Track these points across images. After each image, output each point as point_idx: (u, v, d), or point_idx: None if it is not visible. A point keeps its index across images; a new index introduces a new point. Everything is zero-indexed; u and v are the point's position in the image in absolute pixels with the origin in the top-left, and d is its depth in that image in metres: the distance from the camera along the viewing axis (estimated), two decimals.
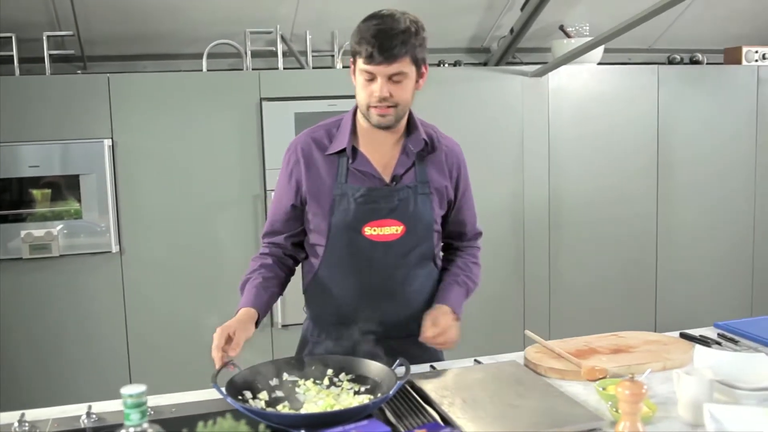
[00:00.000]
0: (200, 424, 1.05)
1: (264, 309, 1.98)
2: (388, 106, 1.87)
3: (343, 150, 1.97)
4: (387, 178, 1.98)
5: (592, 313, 4.13)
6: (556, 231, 4.07)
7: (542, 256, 4.06)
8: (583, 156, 4.07)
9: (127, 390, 1.08)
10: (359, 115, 1.98)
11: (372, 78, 1.85)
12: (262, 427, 1.05)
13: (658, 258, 4.27)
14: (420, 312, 2.00)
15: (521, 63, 4.15)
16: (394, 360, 1.77)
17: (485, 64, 4.26)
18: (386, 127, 1.94)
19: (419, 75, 1.91)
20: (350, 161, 1.97)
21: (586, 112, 4.06)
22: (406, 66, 1.84)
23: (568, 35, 4.08)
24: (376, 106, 1.87)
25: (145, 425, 1.09)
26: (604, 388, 1.65)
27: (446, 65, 4.12)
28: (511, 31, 3.91)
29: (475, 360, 1.98)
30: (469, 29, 4.12)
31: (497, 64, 4.11)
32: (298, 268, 2.16)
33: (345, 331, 2.00)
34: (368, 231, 1.95)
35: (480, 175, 3.88)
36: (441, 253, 2.19)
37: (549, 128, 4.00)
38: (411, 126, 2.01)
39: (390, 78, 1.84)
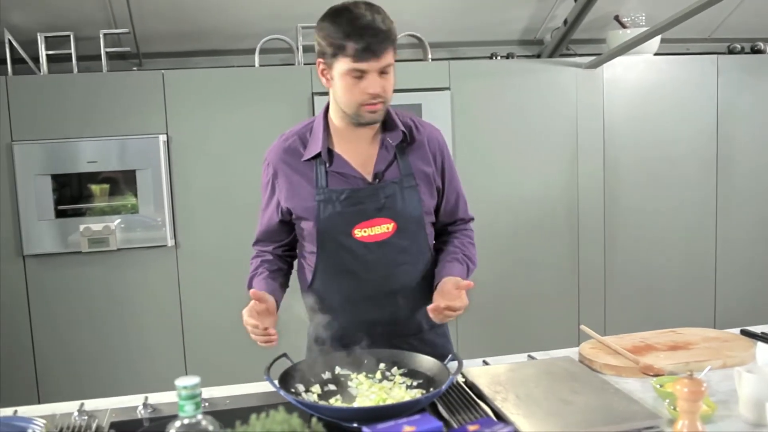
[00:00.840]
0: (253, 416, 1.05)
1: (279, 295, 1.98)
2: (379, 102, 1.81)
3: (319, 154, 1.90)
4: (369, 177, 1.91)
5: (649, 308, 4.05)
6: (611, 225, 3.99)
7: (597, 251, 3.99)
8: (638, 149, 3.98)
9: (182, 382, 1.09)
10: (332, 116, 1.93)
11: (361, 75, 1.77)
12: (314, 420, 1.05)
13: (717, 252, 4.16)
14: (425, 305, 1.90)
15: (575, 54, 4.08)
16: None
17: (538, 56, 4.20)
18: (376, 122, 1.89)
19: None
20: (328, 165, 1.90)
21: (642, 104, 3.97)
22: (391, 56, 1.79)
23: (623, 25, 3.99)
24: (369, 104, 1.81)
25: (199, 416, 1.10)
26: (661, 386, 1.61)
27: (498, 57, 4.08)
28: (565, 22, 3.85)
29: (529, 355, 1.95)
30: (521, 21, 4.06)
31: (551, 56, 4.05)
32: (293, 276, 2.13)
33: (351, 337, 1.91)
34: (358, 233, 1.89)
35: (534, 169, 3.86)
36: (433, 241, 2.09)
37: (604, 121, 3.92)
38: (386, 119, 1.93)
39: (380, 72, 1.78)
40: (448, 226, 2.09)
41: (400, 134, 1.93)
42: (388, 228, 1.90)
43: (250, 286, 2.00)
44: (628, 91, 3.95)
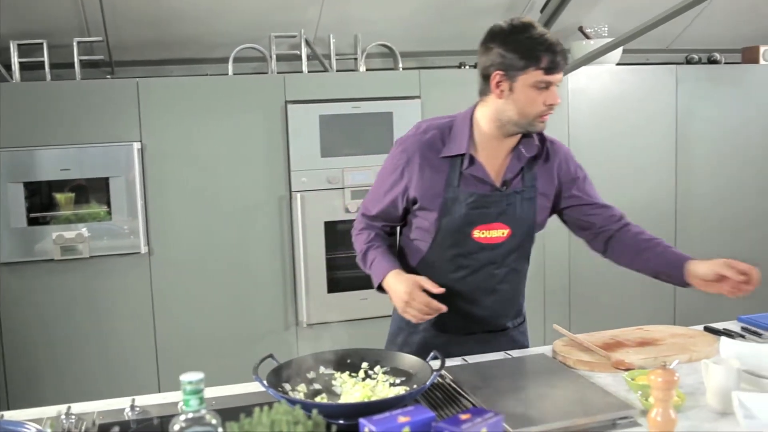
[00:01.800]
0: (256, 410, 1.10)
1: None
2: (551, 113, 1.94)
3: (459, 155, 1.99)
4: (498, 183, 2.01)
5: (612, 308, 4.17)
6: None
7: (562, 254, 4.09)
8: (601, 157, 4.10)
9: (187, 377, 1.13)
10: (481, 122, 2.00)
11: (546, 87, 1.87)
12: (315, 412, 1.11)
13: None
14: (509, 307, 2.15)
15: None
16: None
17: None
18: (538, 131, 1.99)
19: None
20: (464, 166, 1.99)
21: (606, 112, 4.10)
22: None
23: (587, 36, 4.12)
24: (546, 114, 1.92)
25: (203, 411, 1.14)
26: (633, 379, 1.70)
27: (467, 67, 4.16)
28: None
29: (506, 353, 2.03)
30: None
31: None
32: None
33: (441, 324, 2.09)
34: (477, 234, 2.00)
35: None
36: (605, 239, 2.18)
37: (568, 129, 4.04)
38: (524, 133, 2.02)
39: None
40: (611, 224, 2.15)
41: (535, 148, 2.03)
42: (503, 233, 2.02)
43: (366, 256, 2.11)
44: (592, 100, 4.07)
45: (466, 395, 1.68)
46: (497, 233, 2.01)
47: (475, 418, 1.19)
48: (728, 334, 2.13)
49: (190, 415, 1.14)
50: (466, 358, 2.00)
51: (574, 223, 2.19)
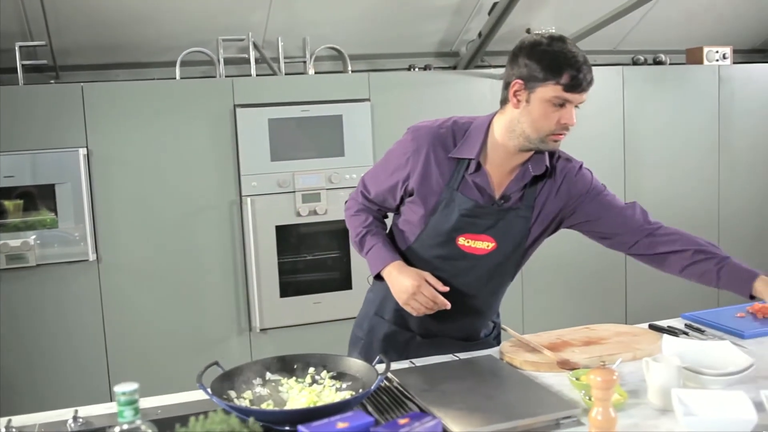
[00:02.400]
0: (192, 419, 1.09)
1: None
2: (565, 133, 1.88)
3: (467, 158, 1.95)
4: (497, 196, 1.98)
5: (566, 308, 4.22)
6: None
7: None
8: None
9: (120, 388, 1.11)
10: (497, 132, 1.95)
11: (563, 104, 1.82)
12: (251, 420, 1.10)
13: (626, 257, 4.35)
14: (487, 318, 2.15)
15: (490, 66, 4.23)
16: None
17: (455, 67, 4.33)
18: (550, 150, 1.94)
19: None
20: (469, 171, 1.95)
21: None
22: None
23: None
24: (557, 133, 1.86)
25: (138, 422, 1.12)
26: (577, 378, 1.72)
27: (416, 69, 4.18)
28: (479, 34, 3.99)
29: (454, 355, 2.04)
30: (438, 33, 4.19)
31: (466, 67, 4.18)
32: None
33: (409, 322, 2.10)
34: (462, 241, 1.98)
35: None
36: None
37: None
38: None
39: (576, 105, 1.85)
40: (643, 236, 2.07)
41: (543, 167, 1.97)
42: (488, 245, 1.99)
43: (363, 241, 2.07)
44: None
45: (412, 398, 1.68)
46: (482, 245, 1.98)
47: (414, 423, 1.19)
48: (672, 331, 2.16)
49: (125, 427, 1.12)
50: (414, 360, 2.00)
51: (598, 235, 2.14)
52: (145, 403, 1.82)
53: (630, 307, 4.40)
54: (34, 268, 3.41)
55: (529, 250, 2.09)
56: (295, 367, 1.84)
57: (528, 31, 4.18)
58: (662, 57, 4.61)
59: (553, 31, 4.13)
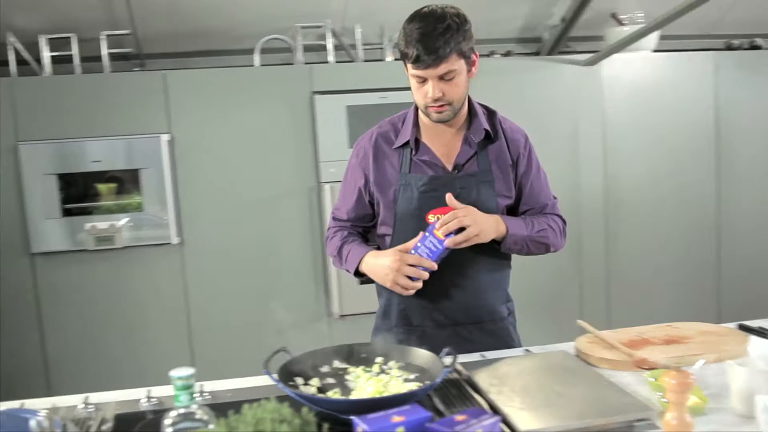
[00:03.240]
0: (245, 406, 1.09)
1: None
2: (443, 104, 1.90)
3: (407, 142, 2.02)
4: (449, 167, 2.01)
5: (652, 304, 4.08)
6: (612, 221, 4.02)
7: (599, 247, 4.02)
8: (639, 145, 4.01)
9: (176, 372, 1.12)
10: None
11: (424, 80, 1.87)
12: (305, 410, 1.08)
13: (718, 249, 4.18)
14: (490, 299, 2.08)
15: (574, 52, 4.11)
16: (460, 348, 1.85)
17: (537, 53, 4.23)
18: (445, 121, 1.97)
19: (470, 65, 1.92)
20: (414, 152, 2.02)
21: (641, 100, 4.00)
22: (454, 63, 1.85)
23: (620, 23, 4.02)
24: (432, 106, 1.90)
25: (194, 407, 1.13)
26: (655, 379, 1.64)
27: (497, 56, 4.10)
28: (563, 19, 3.87)
29: (525, 349, 1.98)
30: (520, 19, 4.09)
31: (549, 53, 4.08)
32: None
33: (414, 319, 2.08)
34: (432, 218, 1.98)
35: None
36: None
37: (603, 117, 3.95)
38: (472, 115, 2.04)
39: (441, 78, 1.86)
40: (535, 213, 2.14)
41: (482, 132, 2.02)
42: None
43: (341, 252, 2.11)
44: (627, 88, 3.97)
45: (480, 392, 1.64)
46: None
47: (471, 420, 1.15)
48: (763, 333, 2.04)
49: (181, 411, 1.13)
50: (485, 354, 1.96)
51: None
52: (218, 385, 1.85)
53: (723, 306, 4.21)
54: (120, 250, 3.52)
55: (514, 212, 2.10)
56: (363, 355, 1.84)
57: (613, 15, 4.04)
58: (759, 41, 4.38)
59: (641, 15, 3.99)
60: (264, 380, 1.83)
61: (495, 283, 2.11)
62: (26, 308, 3.50)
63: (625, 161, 4.00)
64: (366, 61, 3.85)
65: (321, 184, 3.63)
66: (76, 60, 3.54)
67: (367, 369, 1.79)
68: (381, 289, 2.15)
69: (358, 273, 2.07)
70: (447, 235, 1.88)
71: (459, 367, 1.78)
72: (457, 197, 1.96)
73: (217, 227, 3.62)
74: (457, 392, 1.67)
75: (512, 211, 2.13)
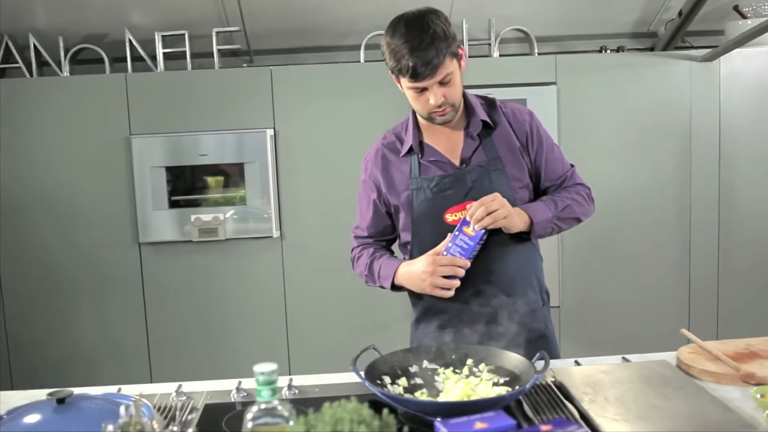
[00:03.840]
0: (326, 404, 1.08)
1: None
2: (446, 107, 1.91)
3: (412, 148, 2.03)
4: (457, 163, 2.01)
5: (765, 315, 3.84)
6: (726, 228, 3.80)
7: (711, 254, 3.81)
8: (757, 146, 3.77)
9: (259, 368, 1.12)
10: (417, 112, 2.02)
11: (422, 90, 1.87)
12: (386, 412, 1.06)
13: None
14: (521, 292, 2.02)
15: (691, 47, 3.91)
16: (497, 343, 1.86)
17: (652, 49, 4.06)
18: (449, 122, 1.97)
19: (459, 61, 1.91)
20: (420, 156, 2.03)
21: (763, 99, 3.75)
22: (448, 66, 1.85)
23: (743, 16, 3.79)
24: (435, 111, 1.91)
25: (276, 402, 1.13)
26: (762, 396, 1.53)
27: (608, 51, 3.96)
28: (680, 13, 3.70)
29: (623, 357, 1.90)
30: (633, 13, 3.93)
31: (665, 48, 3.90)
32: None
33: (450, 321, 2.05)
34: (450, 217, 1.98)
35: (645, 166, 3.73)
36: None
37: (720, 117, 3.74)
38: (468, 109, 2.03)
39: (440, 83, 1.86)
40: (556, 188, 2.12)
41: (479, 124, 2.02)
42: None
43: (372, 269, 2.11)
44: (748, 86, 3.75)
45: (572, 400, 1.58)
46: None
47: (556, 430, 1.11)
48: None
49: (263, 406, 1.13)
50: (579, 360, 1.89)
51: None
52: (306, 380, 1.86)
53: None
54: (223, 242, 3.62)
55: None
56: (454, 357, 1.81)
57: (736, 8, 3.82)
58: None
59: (766, 6, 3.76)
60: (351, 377, 1.83)
61: (525, 274, 2.06)
62: (133, 295, 3.65)
63: (743, 164, 3.77)
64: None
65: None
66: (188, 56, 3.65)
67: (457, 371, 1.76)
68: (414, 298, 2.14)
69: (394, 286, 2.06)
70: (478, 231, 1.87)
71: (553, 373, 1.72)
72: (469, 190, 1.97)
73: (317, 222, 3.66)
74: (547, 398, 1.61)
75: (535, 190, 2.10)
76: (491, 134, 2.03)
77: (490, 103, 2.08)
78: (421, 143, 2.04)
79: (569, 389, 1.63)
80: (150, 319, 3.67)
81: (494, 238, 1.96)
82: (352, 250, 2.23)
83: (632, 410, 1.50)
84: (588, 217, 2.11)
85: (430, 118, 1.95)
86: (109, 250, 3.63)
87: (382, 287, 2.11)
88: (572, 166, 2.16)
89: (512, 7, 3.77)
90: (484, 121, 2.02)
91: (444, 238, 1.95)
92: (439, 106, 1.89)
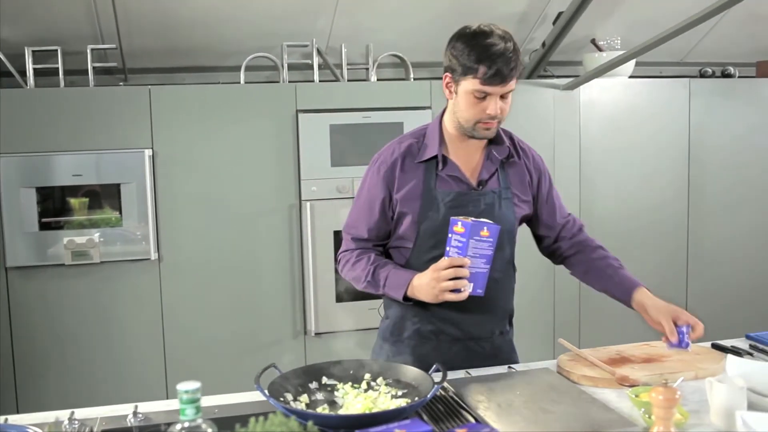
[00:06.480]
0: (252, 420, 1.10)
1: None
2: (495, 121, 1.95)
3: (433, 157, 2.04)
4: (474, 183, 2.06)
5: (623, 324, 4.13)
6: None
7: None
8: (614, 169, 4.09)
9: (183, 386, 1.13)
10: (446, 124, 2.06)
11: (484, 96, 1.90)
12: (310, 423, 1.10)
13: (689, 270, 4.27)
14: (499, 313, 2.12)
15: (553, 76, 4.19)
16: (470, 362, 1.95)
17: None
18: (484, 138, 2.02)
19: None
20: (440, 167, 2.04)
21: (618, 125, 4.08)
22: (514, 83, 1.93)
23: (599, 49, 4.11)
24: (485, 122, 1.94)
25: (200, 421, 1.14)
26: (637, 396, 1.68)
27: None
28: (543, 44, 3.95)
29: (509, 367, 2.02)
30: None
31: (529, 77, 4.15)
32: None
33: (425, 332, 2.09)
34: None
35: None
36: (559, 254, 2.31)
37: (580, 141, 4.02)
38: (496, 134, 2.06)
39: (502, 96, 1.92)
40: (565, 239, 2.26)
41: (506, 150, 2.09)
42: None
43: (376, 276, 2.05)
44: (604, 113, 4.06)
45: (467, 409, 1.67)
46: None
47: None
48: (736, 351, 2.11)
49: (186, 425, 1.14)
50: (470, 371, 1.99)
51: (541, 223, 2.22)
52: (203, 401, 1.85)
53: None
54: (98, 265, 3.50)
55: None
56: (351, 372, 1.86)
57: (593, 41, 4.13)
58: (731, 69, 4.50)
59: (618, 41, 4.08)
60: (249, 396, 1.85)
61: (506, 297, 2.16)
62: None
63: (601, 185, 4.07)
64: (350, 80, 3.88)
65: (302, 202, 3.65)
66: (61, 73, 3.53)
67: (356, 385, 1.82)
68: (390, 303, 2.15)
69: (406, 298, 2.02)
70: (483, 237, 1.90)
71: (445, 384, 1.81)
72: (480, 213, 2.00)
73: (196, 244, 3.61)
74: (445, 408, 1.70)
75: (530, 222, 2.22)
76: (506, 164, 2.10)
77: (509, 135, 2.14)
78: (444, 156, 2.04)
79: (464, 398, 1.73)
80: (17, 347, 3.48)
81: (492, 274, 1.94)
82: (344, 251, 2.17)
83: (524, 415, 1.61)
84: None
85: (472, 129, 1.97)
86: None
87: (385, 295, 2.08)
88: None
89: (389, 33, 3.89)
90: (509, 149, 2.09)
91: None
92: (493, 117, 1.92)
